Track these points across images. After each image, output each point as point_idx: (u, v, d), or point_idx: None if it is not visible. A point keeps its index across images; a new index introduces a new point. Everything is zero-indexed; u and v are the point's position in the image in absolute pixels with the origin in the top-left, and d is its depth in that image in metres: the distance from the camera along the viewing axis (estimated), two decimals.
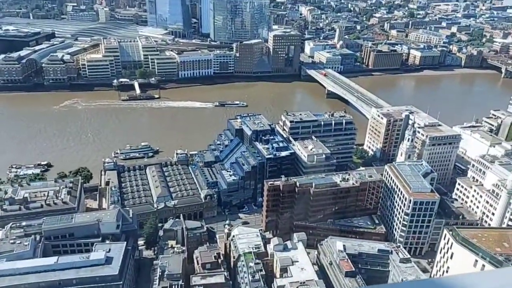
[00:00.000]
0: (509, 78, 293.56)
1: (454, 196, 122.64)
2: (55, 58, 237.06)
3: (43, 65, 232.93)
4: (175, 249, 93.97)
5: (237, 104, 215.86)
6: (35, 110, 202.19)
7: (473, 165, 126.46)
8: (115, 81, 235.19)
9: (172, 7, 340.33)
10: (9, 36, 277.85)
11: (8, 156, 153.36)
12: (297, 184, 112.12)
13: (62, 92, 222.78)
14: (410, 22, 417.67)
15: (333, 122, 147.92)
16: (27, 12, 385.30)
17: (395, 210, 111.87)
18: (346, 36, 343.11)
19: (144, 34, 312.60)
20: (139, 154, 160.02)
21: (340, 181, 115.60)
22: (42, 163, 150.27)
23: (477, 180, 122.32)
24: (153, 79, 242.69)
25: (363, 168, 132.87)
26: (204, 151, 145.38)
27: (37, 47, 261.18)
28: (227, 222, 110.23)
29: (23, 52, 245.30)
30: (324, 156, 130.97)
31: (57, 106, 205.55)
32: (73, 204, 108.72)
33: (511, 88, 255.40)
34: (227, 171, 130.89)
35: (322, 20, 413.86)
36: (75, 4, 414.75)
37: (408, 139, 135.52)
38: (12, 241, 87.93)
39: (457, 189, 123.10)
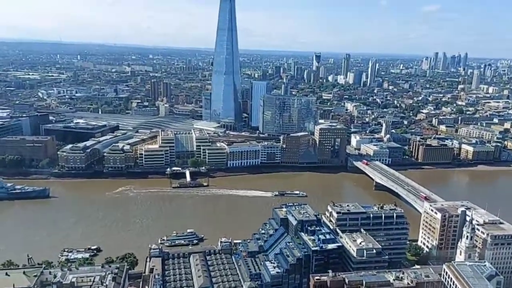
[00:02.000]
0: None
1: None
2: (116, 148, 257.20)
3: (105, 154, 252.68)
4: None
5: (297, 194, 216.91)
6: (91, 195, 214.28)
7: None
8: (168, 169, 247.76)
9: (226, 104, 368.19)
10: (78, 128, 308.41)
11: (62, 240, 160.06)
12: (346, 281, 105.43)
13: (118, 180, 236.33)
14: (460, 118, 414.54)
15: (383, 215, 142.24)
16: (97, 107, 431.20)
17: None
18: (393, 130, 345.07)
19: (198, 127, 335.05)
20: (184, 241, 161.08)
21: (394, 279, 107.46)
22: (92, 247, 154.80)
23: None
24: (203, 167, 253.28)
25: (418, 267, 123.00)
26: (248, 240, 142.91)
27: (101, 138, 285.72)
28: None
29: (88, 143, 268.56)
30: (374, 251, 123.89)
31: (110, 192, 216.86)
32: None
33: None
34: (271, 263, 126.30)
35: (368, 115, 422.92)
36: (140, 101, 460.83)
37: (467, 236, 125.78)
38: None
39: None
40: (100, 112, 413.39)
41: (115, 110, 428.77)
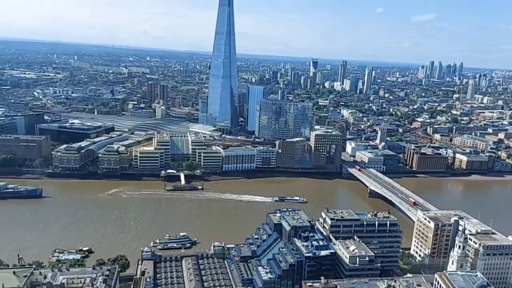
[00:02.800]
0: None
1: None
2: (111, 149, 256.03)
3: (99, 155, 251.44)
4: None
5: (297, 200, 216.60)
6: (84, 196, 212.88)
7: None
8: (163, 172, 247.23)
9: (222, 107, 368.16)
10: (73, 129, 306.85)
11: (54, 240, 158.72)
12: None
13: (112, 181, 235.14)
14: (454, 127, 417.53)
15: (376, 222, 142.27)
16: (93, 108, 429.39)
17: None
18: (388, 138, 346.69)
19: (194, 130, 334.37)
20: (177, 244, 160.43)
21: None
22: (84, 248, 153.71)
23: None
24: (198, 171, 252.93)
25: (411, 275, 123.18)
26: (241, 245, 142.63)
27: (96, 139, 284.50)
28: None
29: (83, 143, 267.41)
30: (367, 258, 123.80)
31: (103, 194, 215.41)
32: None
33: None
34: (264, 268, 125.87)
35: (363, 122, 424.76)
36: (136, 102, 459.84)
37: (459, 246, 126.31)
38: None
39: None
40: (95, 113, 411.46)
41: (111, 111, 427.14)
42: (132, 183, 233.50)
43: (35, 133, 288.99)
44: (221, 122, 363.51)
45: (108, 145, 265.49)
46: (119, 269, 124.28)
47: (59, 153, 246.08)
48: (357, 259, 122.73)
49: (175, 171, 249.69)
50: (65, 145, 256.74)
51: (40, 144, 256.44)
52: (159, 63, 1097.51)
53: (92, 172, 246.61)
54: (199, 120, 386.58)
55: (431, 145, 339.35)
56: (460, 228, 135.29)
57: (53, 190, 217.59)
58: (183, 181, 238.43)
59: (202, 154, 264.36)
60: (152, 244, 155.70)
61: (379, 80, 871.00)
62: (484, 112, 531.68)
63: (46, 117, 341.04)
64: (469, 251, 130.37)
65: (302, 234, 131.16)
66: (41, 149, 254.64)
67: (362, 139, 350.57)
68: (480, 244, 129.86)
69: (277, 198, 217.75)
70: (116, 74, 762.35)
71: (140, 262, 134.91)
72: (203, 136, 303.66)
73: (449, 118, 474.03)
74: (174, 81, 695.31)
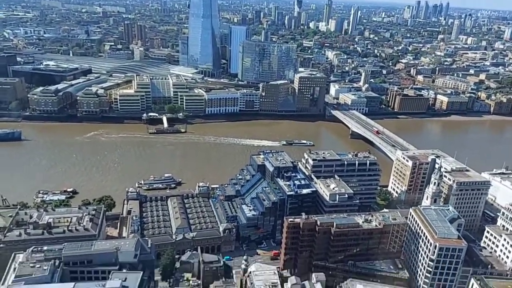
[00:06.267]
0: None
1: (482, 244, 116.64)
2: (90, 92, 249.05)
3: (78, 98, 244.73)
4: (191, 282, 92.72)
5: (305, 143, 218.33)
6: (65, 139, 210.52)
7: (503, 213, 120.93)
8: (144, 115, 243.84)
9: (203, 49, 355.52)
10: (49, 71, 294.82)
11: (37, 182, 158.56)
12: (318, 222, 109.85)
13: (92, 124, 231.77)
14: (437, 68, 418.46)
15: (356, 162, 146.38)
16: (67, 49, 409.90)
17: (420, 255, 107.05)
18: (371, 80, 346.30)
19: (175, 72, 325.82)
20: (162, 185, 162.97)
21: (363, 222, 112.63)
22: (68, 190, 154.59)
23: (507, 229, 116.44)
24: (180, 114, 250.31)
25: (387, 210, 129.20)
26: (226, 185, 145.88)
27: (74, 81, 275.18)
28: (245, 257, 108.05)
29: (60, 86, 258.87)
30: (346, 195, 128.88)
31: (80, 136, 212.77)
32: (94, 231, 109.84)
33: None
34: (247, 206, 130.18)
35: (348, 64, 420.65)
36: (113, 43, 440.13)
37: (434, 183, 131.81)
38: (32, 264, 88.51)
39: (486, 237, 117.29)
40: (71, 55, 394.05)
41: (87, 53, 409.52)
42: (114, 126, 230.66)
43: (8, 76, 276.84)
44: (202, 64, 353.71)
45: (86, 88, 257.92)
46: (105, 209, 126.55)
47: (35, 96, 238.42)
48: (337, 196, 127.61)
49: (157, 114, 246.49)
50: (41, 88, 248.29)
51: (14, 86, 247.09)
52: (135, 2, 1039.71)
53: (72, 115, 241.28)
54: (180, 62, 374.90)
55: (414, 86, 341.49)
56: (437, 166, 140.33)
57: (32, 133, 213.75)
58: (165, 124, 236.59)
59: (184, 97, 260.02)
60: (137, 185, 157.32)
61: (364, 21, 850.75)
62: (467, 53, 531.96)
63: (18, 59, 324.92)
64: (443, 187, 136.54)
65: (285, 174, 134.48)
66: (16, 92, 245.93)
67: (346, 81, 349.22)
68: (454, 181, 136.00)
69: (284, 142, 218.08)
70: (90, 14, 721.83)
71: (125, 202, 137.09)
72: (185, 79, 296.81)
73: (433, 60, 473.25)
74: (152, 21, 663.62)
